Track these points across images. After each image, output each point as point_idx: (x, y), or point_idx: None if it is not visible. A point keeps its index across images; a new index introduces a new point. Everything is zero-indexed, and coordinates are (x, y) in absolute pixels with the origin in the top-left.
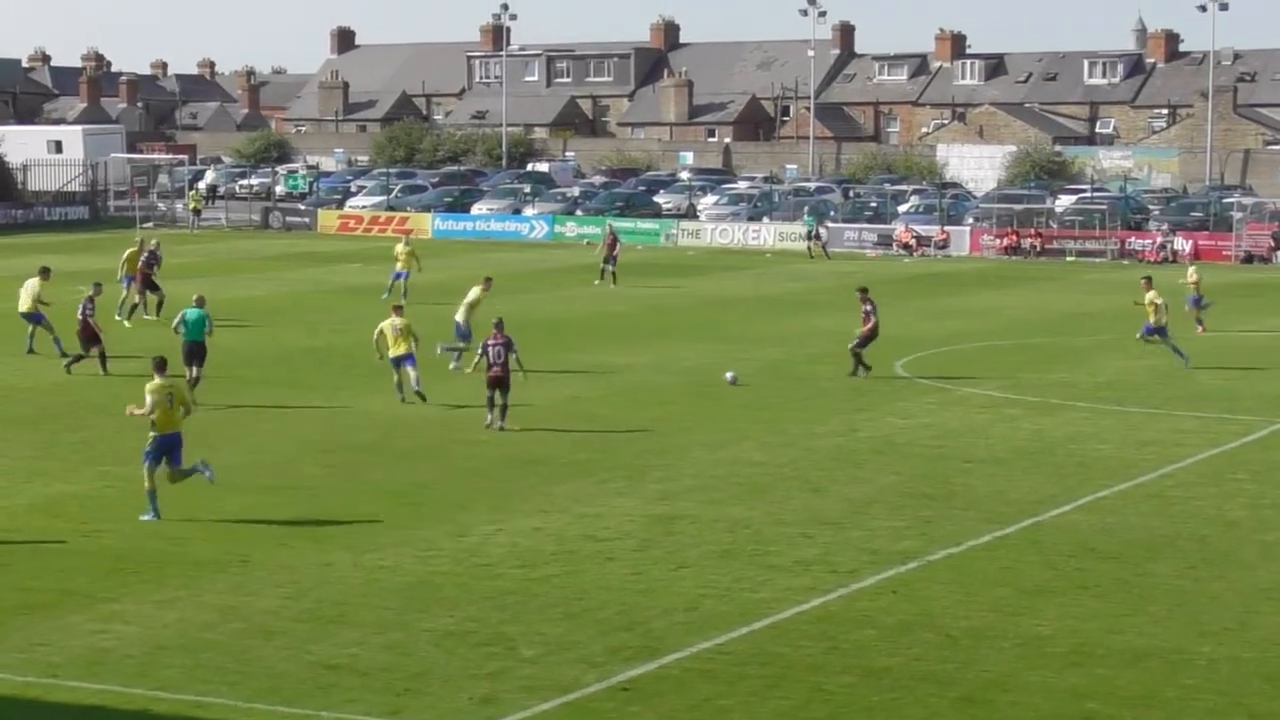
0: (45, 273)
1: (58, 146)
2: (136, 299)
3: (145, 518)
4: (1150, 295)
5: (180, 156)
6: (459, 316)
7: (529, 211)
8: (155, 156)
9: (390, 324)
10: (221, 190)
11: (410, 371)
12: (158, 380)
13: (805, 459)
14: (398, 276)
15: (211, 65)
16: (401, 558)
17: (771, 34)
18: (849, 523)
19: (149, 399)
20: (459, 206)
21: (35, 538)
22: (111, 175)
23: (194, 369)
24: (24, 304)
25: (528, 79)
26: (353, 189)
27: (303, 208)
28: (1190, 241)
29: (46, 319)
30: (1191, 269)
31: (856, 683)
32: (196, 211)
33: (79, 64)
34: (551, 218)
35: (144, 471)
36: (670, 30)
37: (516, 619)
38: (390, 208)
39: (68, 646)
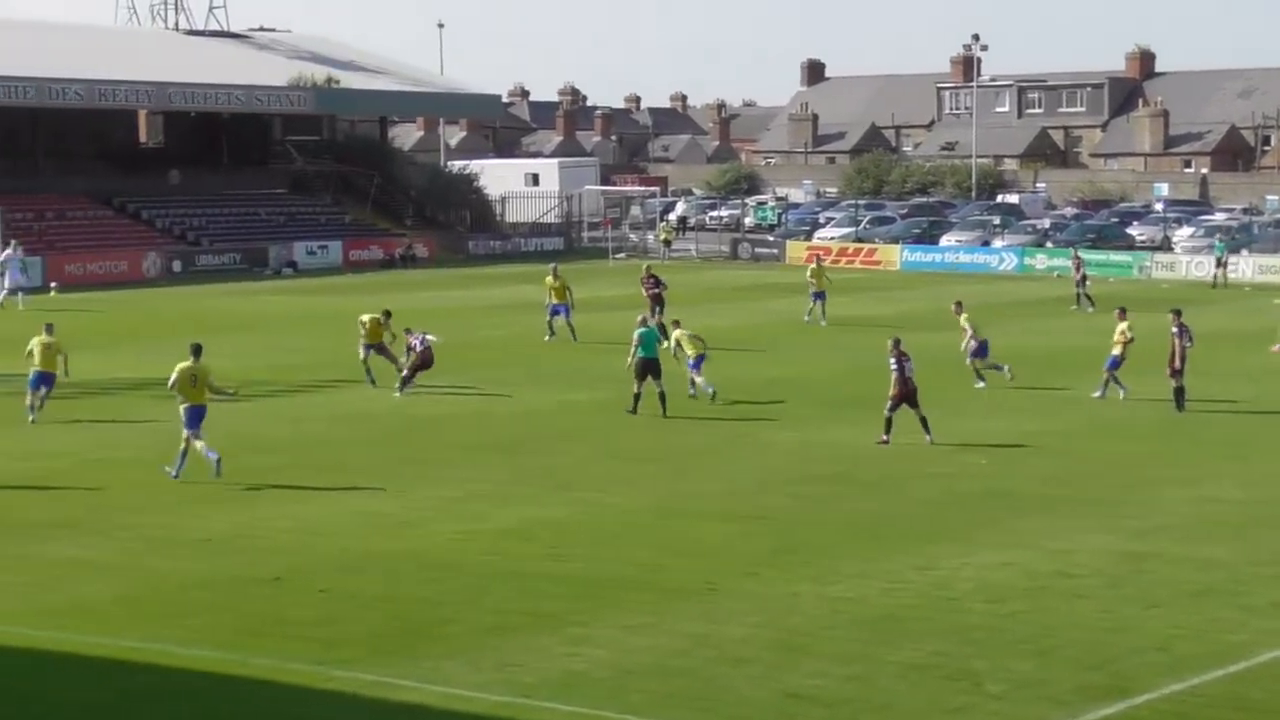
0: (386, 315)
1: (535, 179)
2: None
3: (167, 469)
4: (1122, 326)
5: (652, 188)
6: (974, 340)
7: (998, 243)
8: (627, 189)
9: (683, 333)
10: (692, 222)
11: (695, 377)
12: (184, 364)
13: None
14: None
15: (683, 98)
16: (866, 589)
17: (1253, 61)
18: None
19: (174, 376)
20: (927, 238)
21: (509, 561)
22: (585, 207)
23: (654, 382)
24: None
25: (998, 110)
26: (821, 220)
27: (771, 239)
28: None
29: (389, 350)
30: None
31: None
32: (667, 243)
33: (556, 99)
34: (1020, 250)
35: (183, 434)
36: (1146, 59)
37: (983, 654)
38: (859, 239)
39: (540, 668)
